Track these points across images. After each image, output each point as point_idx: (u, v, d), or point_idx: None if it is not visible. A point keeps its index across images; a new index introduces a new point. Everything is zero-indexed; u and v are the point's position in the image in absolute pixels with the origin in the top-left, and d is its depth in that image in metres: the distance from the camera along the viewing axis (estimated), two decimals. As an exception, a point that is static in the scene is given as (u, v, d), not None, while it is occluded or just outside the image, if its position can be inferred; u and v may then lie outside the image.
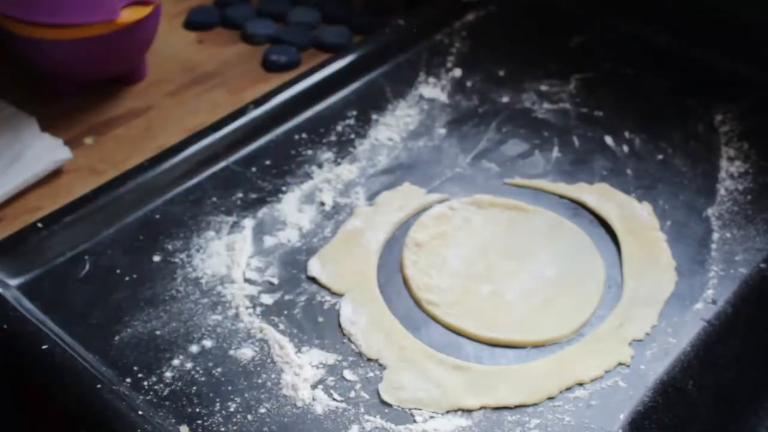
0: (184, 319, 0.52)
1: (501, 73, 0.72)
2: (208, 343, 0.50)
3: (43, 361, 0.49)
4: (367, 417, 0.46)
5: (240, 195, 0.60)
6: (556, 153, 0.64)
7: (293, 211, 0.59)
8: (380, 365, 0.49)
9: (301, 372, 0.49)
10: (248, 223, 0.58)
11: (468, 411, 0.47)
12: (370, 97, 0.69)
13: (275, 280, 0.54)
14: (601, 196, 0.60)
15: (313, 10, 0.82)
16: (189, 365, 0.49)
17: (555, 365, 0.49)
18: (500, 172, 0.62)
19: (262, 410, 0.47)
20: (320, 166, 0.63)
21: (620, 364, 0.49)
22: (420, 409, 0.47)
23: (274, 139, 0.65)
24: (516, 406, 0.47)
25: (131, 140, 0.68)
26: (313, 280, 0.54)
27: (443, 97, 0.69)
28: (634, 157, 0.64)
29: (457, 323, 0.51)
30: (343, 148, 0.64)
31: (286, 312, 0.52)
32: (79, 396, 0.47)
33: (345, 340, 0.51)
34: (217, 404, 0.47)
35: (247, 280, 0.54)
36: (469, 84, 0.71)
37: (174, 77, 0.74)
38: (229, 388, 0.48)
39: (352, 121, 0.67)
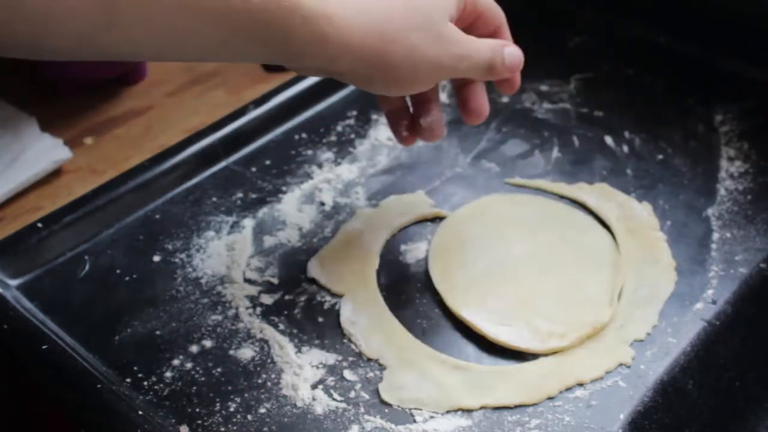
0: (184, 319, 0.52)
1: (501, 73, 0.72)
2: (208, 343, 0.50)
3: (43, 361, 0.49)
4: (367, 417, 0.46)
5: (240, 195, 0.60)
6: (556, 153, 0.64)
7: (293, 211, 0.59)
8: (380, 365, 0.49)
9: (301, 372, 0.49)
10: (248, 223, 0.58)
11: (468, 411, 0.47)
12: (370, 97, 0.68)
13: (275, 280, 0.54)
14: (600, 196, 0.60)
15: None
16: (189, 365, 0.49)
17: (555, 365, 0.49)
18: (500, 172, 0.62)
19: (262, 410, 0.47)
20: (320, 166, 0.63)
21: (621, 364, 0.49)
22: (420, 409, 0.47)
23: (274, 139, 0.65)
24: (516, 406, 0.47)
25: (131, 140, 0.68)
26: (313, 280, 0.54)
27: (443, 97, 0.69)
28: (634, 157, 0.63)
29: (474, 321, 0.51)
30: (343, 148, 0.64)
31: (286, 312, 0.52)
32: (79, 396, 0.47)
33: (345, 340, 0.51)
34: (217, 404, 0.47)
35: (247, 280, 0.54)
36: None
37: (174, 77, 0.74)
38: (229, 388, 0.48)
39: (352, 121, 0.67)
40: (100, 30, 0.38)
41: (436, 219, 0.59)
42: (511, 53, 0.51)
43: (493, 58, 0.50)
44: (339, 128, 0.66)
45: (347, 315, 0.52)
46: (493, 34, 0.53)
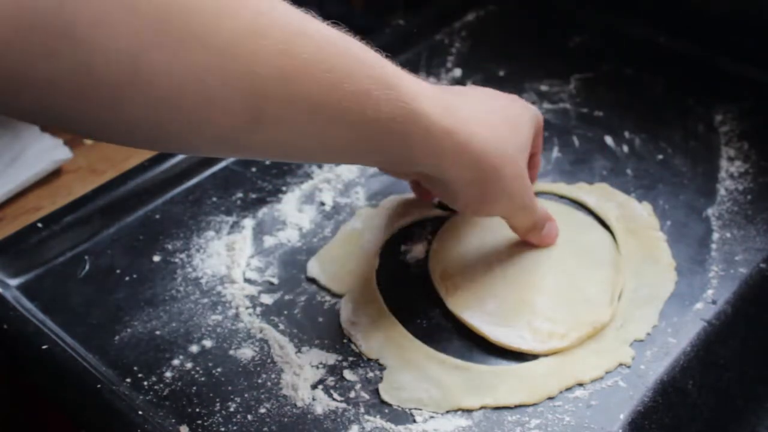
0: (184, 319, 0.52)
1: (501, 73, 0.72)
2: (208, 343, 0.50)
3: (43, 361, 0.49)
4: (367, 417, 0.46)
5: (240, 195, 0.60)
6: (556, 153, 0.64)
7: (293, 211, 0.59)
8: (380, 365, 0.49)
9: (301, 372, 0.49)
10: (248, 223, 0.58)
11: (468, 411, 0.47)
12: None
13: (275, 280, 0.54)
14: (600, 196, 0.60)
15: (313, 10, 0.82)
16: (189, 365, 0.49)
17: (555, 365, 0.49)
18: (500, 172, 0.62)
19: (262, 410, 0.47)
20: (320, 165, 0.63)
21: (621, 364, 0.49)
22: (420, 409, 0.47)
23: (274, 139, 0.65)
24: (516, 406, 0.47)
25: (131, 140, 0.68)
26: (313, 280, 0.54)
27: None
28: (634, 157, 0.63)
29: (474, 323, 0.51)
30: (343, 148, 0.64)
31: (286, 312, 0.52)
32: (79, 396, 0.47)
33: (345, 340, 0.51)
34: (217, 404, 0.47)
35: (247, 280, 0.54)
36: (469, 84, 0.71)
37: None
38: (229, 388, 0.48)
39: (352, 121, 0.66)
40: (242, 131, 0.39)
41: (436, 219, 0.59)
42: (551, 228, 0.54)
43: (538, 223, 0.53)
44: (339, 128, 0.66)
45: (347, 315, 0.52)
46: (532, 157, 0.56)
